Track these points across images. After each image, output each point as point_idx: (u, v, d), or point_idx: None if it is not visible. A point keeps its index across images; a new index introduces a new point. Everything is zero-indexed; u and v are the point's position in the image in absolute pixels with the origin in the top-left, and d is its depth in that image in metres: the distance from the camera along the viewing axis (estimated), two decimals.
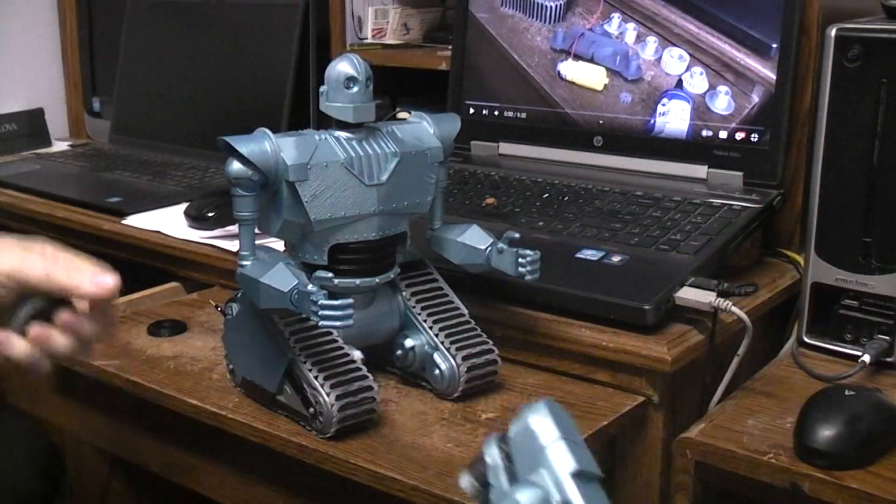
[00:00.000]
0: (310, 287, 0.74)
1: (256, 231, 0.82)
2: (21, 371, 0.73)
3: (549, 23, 1.20)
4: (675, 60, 1.10)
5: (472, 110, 1.26)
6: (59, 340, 0.71)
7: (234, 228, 0.98)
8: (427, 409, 0.85)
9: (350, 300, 0.73)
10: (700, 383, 0.91)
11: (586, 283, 0.91)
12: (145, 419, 0.98)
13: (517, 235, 0.87)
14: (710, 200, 1.03)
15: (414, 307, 0.87)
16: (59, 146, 1.78)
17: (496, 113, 1.25)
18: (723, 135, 1.08)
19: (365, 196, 0.82)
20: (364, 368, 0.81)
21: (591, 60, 1.17)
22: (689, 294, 0.88)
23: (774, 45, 1.04)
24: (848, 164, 0.90)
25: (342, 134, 0.83)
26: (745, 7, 1.06)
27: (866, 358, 0.88)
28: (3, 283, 0.71)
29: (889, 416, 0.78)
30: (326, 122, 0.85)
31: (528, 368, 0.92)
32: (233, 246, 1.13)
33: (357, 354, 0.82)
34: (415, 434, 0.80)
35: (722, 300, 0.87)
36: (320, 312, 0.73)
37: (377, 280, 0.85)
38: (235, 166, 0.79)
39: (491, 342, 0.86)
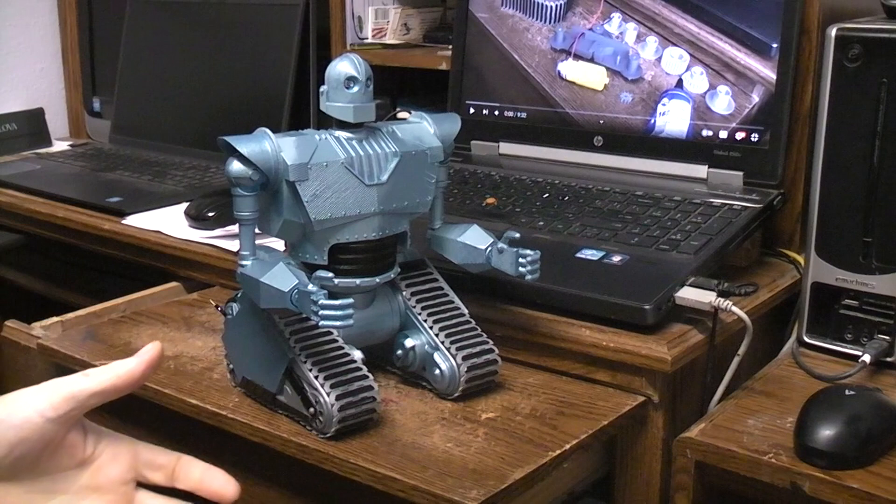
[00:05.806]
0: (310, 287, 0.74)
1: (256, 231, 0.82)
2: None
3: (550, 23, 1.20)
4: (675, 60, 1.10)
5: (472, 110, 1.26)
6: None
7: (234, 228, 0.98)
8: (427, 409, 0.85)
9: (350, 300, 0.73)
10: (700, 383, 0.91)
11: (586, 283, 0.91)
12: (145, 419, 0.98)
13: (517, 235, 0.87)
14: (711, 200, 1.03)
15: (414, 307, 0.87)
16: (60, 146, 1.78)
17: (496, 113, 1.25)
18: (723, 135, 1.08)
19: (365, 196, 0.82)
20: (364, 368, 0.81)
21: (592, 60, 1.17)
22: (689, 294, 0.88)
23: (774, 45, 1.04)
24: (848, 164, 0.90)
25: (342, 134, 0.83)
26: (746, 7, 1.06)
27: (866, 358, 0.88)
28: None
29: (889, 416, 0.78)
30: (326, 122, 0.85)
31: (529, 368, 0.92)
32: (233, 246, 1.13)
33: (357, 354, 0.82)
34: (415, 434, 0.80)
35: (722, 300, 0.87)
36: (321, 312, 0.73)
37: (377, 280, 0.85)
38: (235, 166, 0.79)
39: (491, 342, 0.86)
